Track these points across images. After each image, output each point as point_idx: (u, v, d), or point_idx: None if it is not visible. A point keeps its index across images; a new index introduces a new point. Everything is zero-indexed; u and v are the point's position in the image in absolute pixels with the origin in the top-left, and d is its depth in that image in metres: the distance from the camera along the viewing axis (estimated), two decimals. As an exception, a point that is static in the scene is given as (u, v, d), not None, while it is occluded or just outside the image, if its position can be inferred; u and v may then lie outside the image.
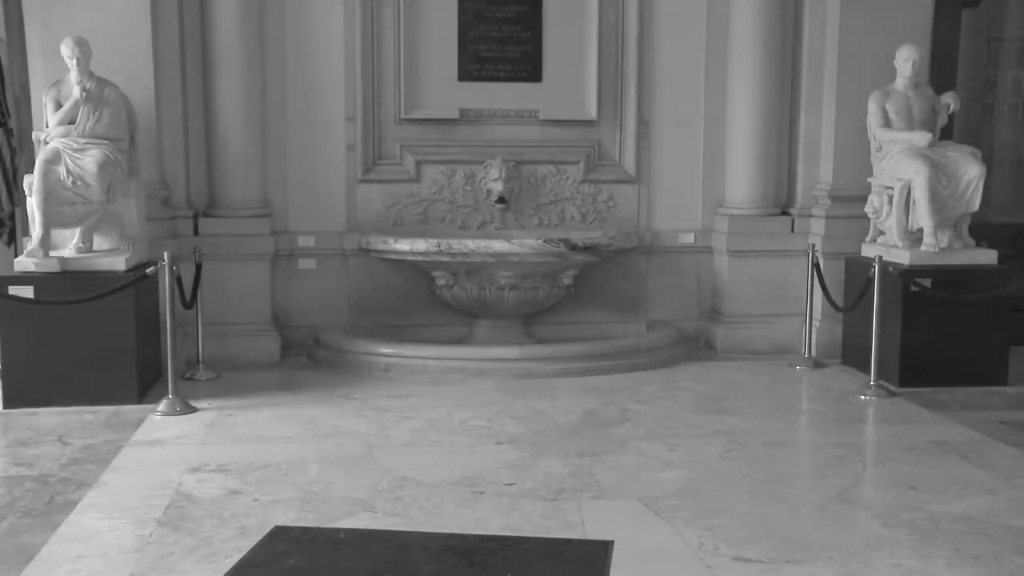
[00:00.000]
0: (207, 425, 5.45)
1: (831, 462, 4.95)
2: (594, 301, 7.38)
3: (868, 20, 7.01)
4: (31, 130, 6.40)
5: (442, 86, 7.22)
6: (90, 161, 5.82)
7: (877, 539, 3.97)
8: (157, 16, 6.52)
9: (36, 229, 5.85)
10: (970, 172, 6.42)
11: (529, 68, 7.30)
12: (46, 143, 5.95)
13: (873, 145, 6.80)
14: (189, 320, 6.42)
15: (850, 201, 7.03)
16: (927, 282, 6.30)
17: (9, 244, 7.46)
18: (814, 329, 7.10)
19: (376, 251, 6.98)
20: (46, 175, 5.78)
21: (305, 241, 7.16)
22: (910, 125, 6.66)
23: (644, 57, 7.33)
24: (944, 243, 6.49)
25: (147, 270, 5.79)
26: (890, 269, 6.31)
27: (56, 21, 6.24)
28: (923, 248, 6.44)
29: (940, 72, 7.71)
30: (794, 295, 7.25)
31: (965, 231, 6.64)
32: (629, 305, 7.50)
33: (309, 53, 7.09)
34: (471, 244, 6.66)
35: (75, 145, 5.87)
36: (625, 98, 7.35)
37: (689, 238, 7.54)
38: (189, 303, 6.18)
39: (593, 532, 3.95)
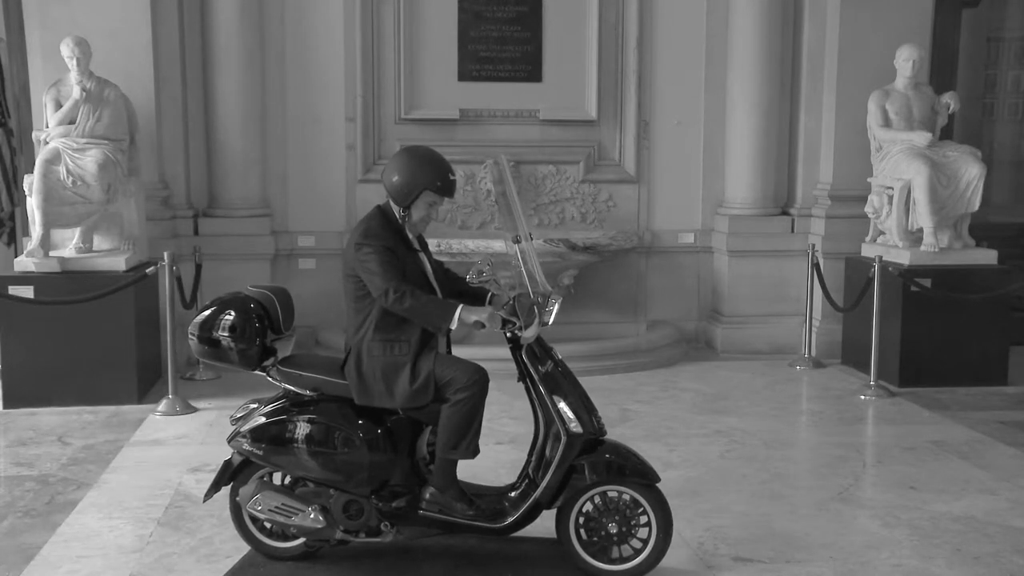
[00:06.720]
0: (207, 425, 5.45)
1: (831, 462, 4.95)
2: (594, 301, 7.37)
3: (868, 20, 7.02)
4: (31, 130, 6.40)
5: (442, 86, 7.22)
6: (90, 161, 5.82)
7: (877, 539, 3.97)
8: (157, 15, 6.53)
9: (36, 229, 5.85)
10: (970, 172, 6.42)
11: (529, 68, 7.29)
12: (46, 143, 5.95)
13: (873, 145, 6.80)
14: (189, 320, 6.40)
15: (850, 201, 7.03)
16: (927, 282, 6.30)
17: (9, 244, 7.45)
18: (814, 329, 7.10)
19: (376, 251, 6.96)
20: (46, 175, 5.78)
21: (305, 241, 7.16)
22: (910, 125, 6.66)
23: (644, 57, 7.33)
24: (944, 243, 6.49)
25: (147, 270, 5.79)
26: (890, 269, 6.31)
27: (56, 21, 6.24)
28: (923, 248, 6.44)
29: (940, 72, 7.70)
30: (794, 295, 7.25)
31: (965, 231, 6.63)
32: (629, 305, 7.50)
33: (309, 53, 7.09)
34: (471, 244, 6.66)
35: (75, 145, 5.87)
36: (625, 98, 7.35)
37: (689, 238, 7.54)
38: (189, 303, 6.18)
39: (593, 532, 3.95)
